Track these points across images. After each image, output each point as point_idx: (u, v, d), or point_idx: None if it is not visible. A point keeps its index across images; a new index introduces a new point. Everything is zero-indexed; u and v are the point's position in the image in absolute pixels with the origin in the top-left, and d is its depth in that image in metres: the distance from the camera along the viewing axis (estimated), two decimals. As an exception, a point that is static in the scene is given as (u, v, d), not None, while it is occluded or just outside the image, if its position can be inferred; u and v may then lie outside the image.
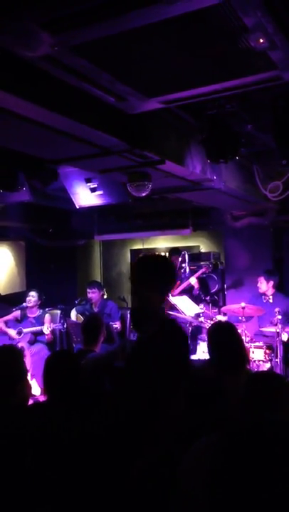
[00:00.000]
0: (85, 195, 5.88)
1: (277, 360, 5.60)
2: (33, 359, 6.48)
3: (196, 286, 7.49)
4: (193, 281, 7.40)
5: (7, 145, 4.18)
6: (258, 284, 6.82)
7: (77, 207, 6.09)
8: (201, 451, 1.93)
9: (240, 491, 1.05)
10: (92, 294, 7.36)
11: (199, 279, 7.60)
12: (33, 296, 7.10)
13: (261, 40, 2.69)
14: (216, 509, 1.09)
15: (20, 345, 6.74)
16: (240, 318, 6.11)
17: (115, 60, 2.94)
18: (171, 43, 2.77)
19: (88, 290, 7.39)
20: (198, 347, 6.73)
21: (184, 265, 7.48)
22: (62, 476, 2.22)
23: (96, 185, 5.73)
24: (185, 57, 2.95)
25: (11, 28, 2.50)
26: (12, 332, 7.00)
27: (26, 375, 2.75)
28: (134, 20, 2.46)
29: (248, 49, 2.79)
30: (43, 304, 7.29)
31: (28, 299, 7.09)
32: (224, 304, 7.84)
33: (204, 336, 6.38)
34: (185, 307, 6.87)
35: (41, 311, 7.18)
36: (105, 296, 7.69)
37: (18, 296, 7.76)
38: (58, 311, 7.21)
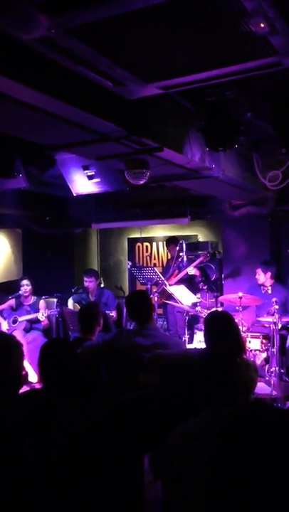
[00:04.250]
0: (83, 183, 5.84)
1: (274, 349, 5.60)
2: (29, 347, 6.47)
3: (197, 273, 7.48)
4: (191, 271, 7.38)
5: (3, 130, 4.12)
6: (257, 276, 6.82)
7: (75, 194, 6.05)
8: (191, 430, 1.96)
9: (238, 474, 1.05)
10: (90, 283, 7.34)
11: (199, 268, 7.59)
12: (27, 285, 7.08)
13: (262, 25, 2.65)
14: (213, 493, 1.08)
15: (15, 333, 6.73)
16: (237, 307, 6.10)
17: (113, 44, 2.89)
18: (170, 26, 2.72)
19: (86, 279, 7.37)
20: (194, 336, 6.73)
21: (181, 254, 7.47)
22: (60, 463, 2.21)
23: (93, 173, 5.68)
24: (184, 42, 2.90)
25: (7, 9, 2.45)
26: (4, 325, 6.97)
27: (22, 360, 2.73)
28: (133, 3, 2.41)
29: (248, 34, 2.74)
30: (40, 291, 7.27)
31: (23, 288, 7.06)
32: (222, 294, 7.83)
33: (201, 325, 6.38)
34: (182, 296, 6.87)
35: (36, 297, 7.16)
36: (102, 285, 7.68)
37: (13, 284, 7.74)
38: (55, 300, 7.21)
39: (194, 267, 7.43)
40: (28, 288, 7.08)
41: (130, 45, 2.93)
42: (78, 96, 3.39)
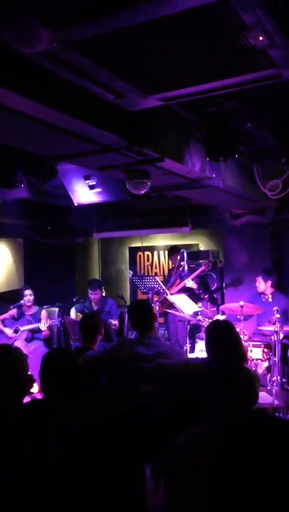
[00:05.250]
0: (84, 193, 5.87)
1: (276, 358, 5.60)
2: (31, 357, 6.40)
3: (195, 287, 7.48)
4: (189, 283, 7.39)
5: (5, 141, 4.16)
6: (257, 284, 6.83)
7: (76, 204, 6.09)
8: (194, 437, 1.99)
9: (238, 481, 1.06)
10: (95, 295, 7.36)
11: (199, 278, 7.60)
12: (30, 295, 7.10)
13: (260, 38, 2.68)
14: (213, 498, 1.10)
15: (17, 343, 6.74)
16: (238, 316, 6.11)
17: (114, 57, 2.92)
18: (170, 40, 2.76)
19: (90, 291, 7.38)
20: (196, 345, 6.73)
21: (182, 263, 7.48)
22: (61, 464, 2.22)
23: (95, 183, 5.72)
24: (184, 55, 2.94)
25: (10, 24, 2.49)
26: (8, 331, 6.98)
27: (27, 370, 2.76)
28: (134, 17, 2.45)
29: (247, 47, 2.78)
30: (41, 301, 7.29)
31: (26, 298, 7.08)
32: (223, 303, 7.84)
33: (202, 334, 6.39)
34: (183, 305, 6.88)
35: (37, 307, 7.17)
36: (104, 294, 7.69)
37: (14, 293, 7.76)
38: (56, 309, 7.22)
39: (193, 278, 7.44)
40: (32, 298, 7.11)
41: (130, 58, 2.97)
42: (79, 108, 3.42)
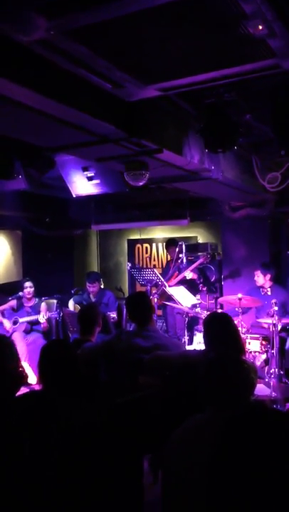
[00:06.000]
0: (82, 184, 5.85)
1: (274, 351, 5.60)
2: (29, 348, 6.48)
3: (195, 277, 7.47)
4: (189, 275, 7.38)
5: (3, 132, 4.13)
6: (255, 278, 6.82)
7: (74, 196, 6.06)
8: (192, 431, 1.98)
9: (237, 475, 1.05)
10: (93, 288, 7.35)
11: (200, 270, 7.59)
12: (30, 287, 7.09)
13: (260, 27, 2.66)
14: (213, 491, 1.09)
15: (15, 334, 6.74)
16: (236, 309, 6.10)
17: (112, 46, 2.90)
18: (169, 29, 2.73)
19: (88, 284, 7.36)
20: (194, 337, 6.73)
21: (181, 256, 7.47)
22: (60, 463, 2.21)
23: (93, 174, 5.69)
24: (183, 44, 2.91)
25: (7, 11, 2.46)
26: (7, 324, 6.97)
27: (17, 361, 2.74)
28: (131, 5, 2.42)
29: (246, 36, 2.76)
30: (39, 293, 7.28)
31: (26, 290, 7.06)
32: (221, 295, 7.84)
33: (200, 326, 6.38)
34: (182, 297, 6.87)
35: (37, 299, 7.16)
36: (102, 286, 7.68)
37: (13, 285, 7.74)
38: (55, 301, 7.20)
39: (192, 269, 7.43)
40: (32, 290, 7.09)
41: (129, 48, 2.94)
42: (77, 98, 3.40)
